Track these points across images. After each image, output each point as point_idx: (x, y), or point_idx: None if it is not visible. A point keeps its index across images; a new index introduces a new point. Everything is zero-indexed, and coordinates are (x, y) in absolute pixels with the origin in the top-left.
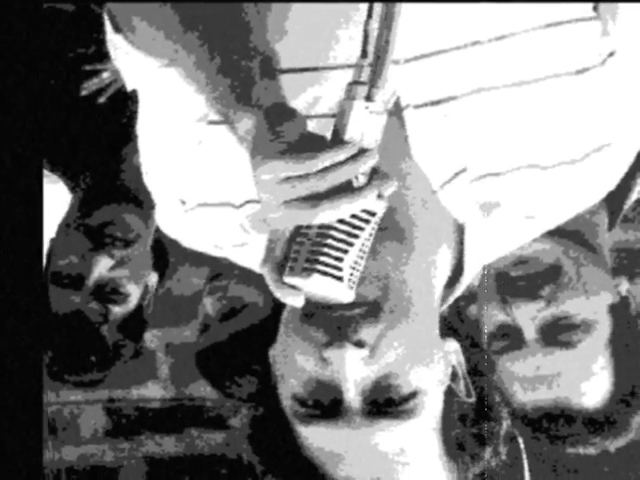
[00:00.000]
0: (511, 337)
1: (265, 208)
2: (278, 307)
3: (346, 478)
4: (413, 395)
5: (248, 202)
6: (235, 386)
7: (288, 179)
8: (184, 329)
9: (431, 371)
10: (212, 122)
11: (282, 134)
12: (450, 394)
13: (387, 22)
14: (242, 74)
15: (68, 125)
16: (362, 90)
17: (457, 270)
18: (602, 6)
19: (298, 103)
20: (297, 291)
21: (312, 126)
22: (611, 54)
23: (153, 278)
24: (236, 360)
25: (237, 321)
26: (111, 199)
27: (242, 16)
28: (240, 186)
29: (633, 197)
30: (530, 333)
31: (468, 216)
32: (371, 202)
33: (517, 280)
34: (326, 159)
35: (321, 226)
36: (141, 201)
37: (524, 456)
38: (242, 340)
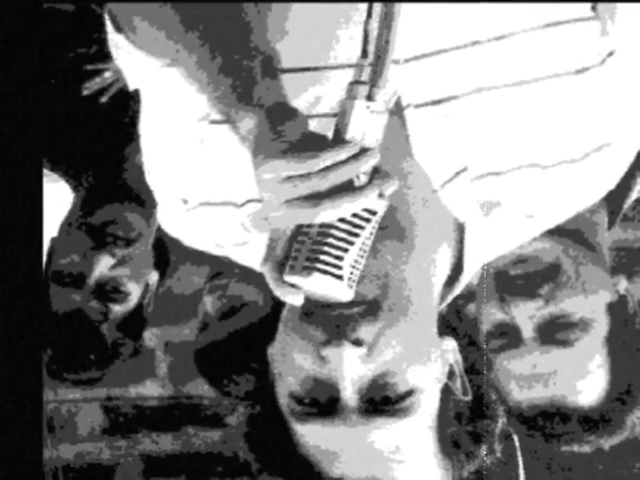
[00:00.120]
0: (509, 335)
1: (266, 207)
2: (278, 306)
3: (341, 476)
4: (409, 393)
5: (249, 201)
6: (233, 384)
7: (290, 178)
8: (183, 328)
9: (428, 369)
10: (214, 121)
11: (284, 133)
12: (446, 392)
13: (387, 22)
14: (243, 74)
15: (71, 124)
16: (363, 90)
17: (456, 269)
18: (600, 6)
19: (299, 102)
20: (297, 290)
21: (313, 125)
22: (610, 54)
23: (154, 277)
24: (234, 358)
25: (236, 320)
26: (113, 198)
27: (242, 16)
28: (242, 185)
29: (633, 196)
30: (528, 332)
31: (468, 215)
32: (372, 201)
33: (516, 279)
34: (327, 158)
35: (322, 225)
36: (143, 200)
37: (519, 454)
38: (241, 339)
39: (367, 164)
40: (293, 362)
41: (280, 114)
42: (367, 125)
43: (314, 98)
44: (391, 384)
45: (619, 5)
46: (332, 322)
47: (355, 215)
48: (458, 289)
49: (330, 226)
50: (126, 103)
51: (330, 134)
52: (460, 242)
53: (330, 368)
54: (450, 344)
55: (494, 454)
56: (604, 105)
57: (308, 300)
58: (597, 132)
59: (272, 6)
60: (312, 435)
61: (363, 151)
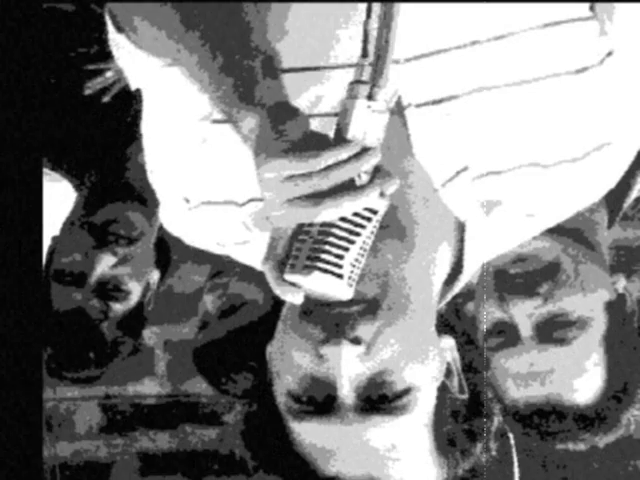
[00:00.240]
0: (507, 334)
1: (268, 206)
2: (278, 305)
3: (337, 474)
4: (406, 391)
5: (251, 200)
6: (230, 382)
7: (291, 177)
8: (183, 326)
9: (426, 368)
10: (216, 121)
11: (285, 133)
12: (443, 390)
13: (386, 22)
14: (244, 73)
15: (73, 124)
16: (364, 89)
17: (456, 267)
18: (598, 6)
19: (300, 102)
20: (297, 288)
21: (315, 125)
22: (609, 54)
23: (155, 275)
24: (233, 357)
25: (236, 318)
26: (116, 197)
27: (242, 16)
28: (243, 184)
29: (633, 195)
30: (526, 330)
31: (469, 214)
32: (373, 200)
33: (515, 277)
34: (329, 157)
35: (323, 224)
36: (145, 199)
37: (514, 452)
38: (240, 337)
39: (368, 163)
40: (291, 360)
41: (281, 113)
42: (368, 124)
43: (315, 98)
44: (388, 382)
45: (617, 5)
46: (331, 321)
47: (356, 214)
48: (458, 288)
49: (331, 225)
50: (128, 102)
51: (331, 133)
52: (460, 241)
53: (328, 366)
54: (448, 342)
55: (489, 452)
56: (604, 104)
57: (307, 299)
58: (597, 131)
59: (272, 6)
60: (308, 433)
61: (364, 150)
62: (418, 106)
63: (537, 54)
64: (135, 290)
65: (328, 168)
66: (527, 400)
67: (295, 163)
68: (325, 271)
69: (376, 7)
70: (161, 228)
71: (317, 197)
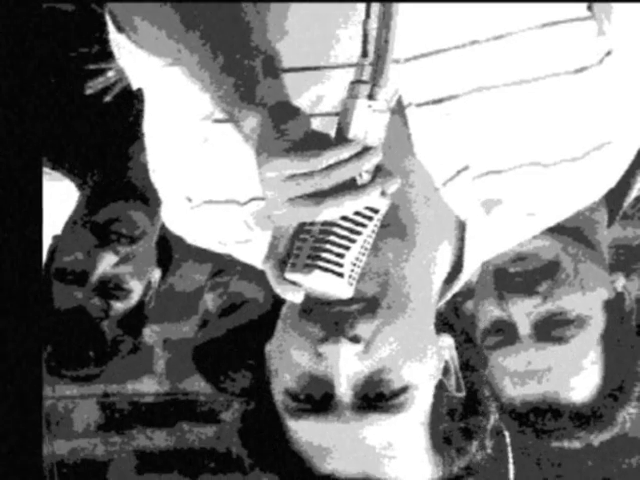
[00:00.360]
0: (505, 332)
1: (270, 205)
2: (278, 303)
3: (333, 472)
4: (404, 390)
5: (253, 199)
6: (229, 381)
7: (293, 177)
8: (183, 325)
9: (424, 366)
10: (217, 120)
11: (287, 132)
12: (440, 388)
13: (385, 21)
14: (245, 73)
15: (76, 124)
16: (365, 89)
17: (456, 266)
18: (596, 6)
19: (302, 102)
20: (297, 287)
21: (316, 124)
22: (608, 53)
23: (156, 274)
24: (232, 355)
25: (236, 317)
26: (118, 196)
27: (242, 15)
28: (245, 183)
29: (633, 194)
30: (525, 328)
31: (470, 213)
32: (374, 199)
33: (515, 276)
34: (330, 157)
35: (324, 223)
36: (147, 198)
37: (509, 450)
38: (239, 336)
39: (369, 162)
40: (290, 359)
41: (283, 113)
42: (369, 124)
43: (316, 97)
44: (386, 380)
45: (615, 5)
46: (330, 319)
47: (357, 213)
48: (457, 286)
49: (332, 224)
50: (130, 102)
51: (332, 133)
52: (461, 240)
53: (326, 365)
54: (446, 341)
55: (485, 450)
56: (604, 104)
57: (307, 297)
58: (597, 131)
59: (272, 6)
60: (305, 431)
61: (365, 150)
62: (419, 105)
63: (536, 54)
64: (136, 289)
65: (329, 167)
66: (524, 398)
67: (296, 162)
68: (326, 270)
69: (375, 7)
70: (163, 227)
71: (318, 196)
